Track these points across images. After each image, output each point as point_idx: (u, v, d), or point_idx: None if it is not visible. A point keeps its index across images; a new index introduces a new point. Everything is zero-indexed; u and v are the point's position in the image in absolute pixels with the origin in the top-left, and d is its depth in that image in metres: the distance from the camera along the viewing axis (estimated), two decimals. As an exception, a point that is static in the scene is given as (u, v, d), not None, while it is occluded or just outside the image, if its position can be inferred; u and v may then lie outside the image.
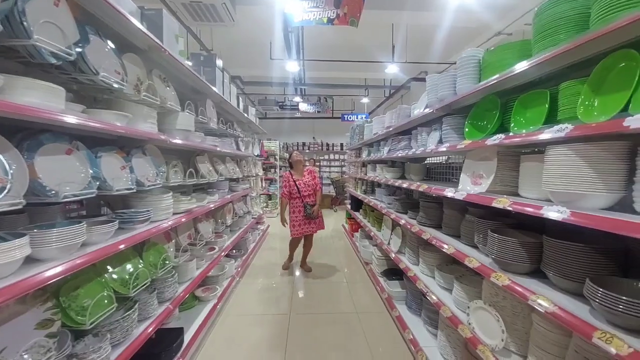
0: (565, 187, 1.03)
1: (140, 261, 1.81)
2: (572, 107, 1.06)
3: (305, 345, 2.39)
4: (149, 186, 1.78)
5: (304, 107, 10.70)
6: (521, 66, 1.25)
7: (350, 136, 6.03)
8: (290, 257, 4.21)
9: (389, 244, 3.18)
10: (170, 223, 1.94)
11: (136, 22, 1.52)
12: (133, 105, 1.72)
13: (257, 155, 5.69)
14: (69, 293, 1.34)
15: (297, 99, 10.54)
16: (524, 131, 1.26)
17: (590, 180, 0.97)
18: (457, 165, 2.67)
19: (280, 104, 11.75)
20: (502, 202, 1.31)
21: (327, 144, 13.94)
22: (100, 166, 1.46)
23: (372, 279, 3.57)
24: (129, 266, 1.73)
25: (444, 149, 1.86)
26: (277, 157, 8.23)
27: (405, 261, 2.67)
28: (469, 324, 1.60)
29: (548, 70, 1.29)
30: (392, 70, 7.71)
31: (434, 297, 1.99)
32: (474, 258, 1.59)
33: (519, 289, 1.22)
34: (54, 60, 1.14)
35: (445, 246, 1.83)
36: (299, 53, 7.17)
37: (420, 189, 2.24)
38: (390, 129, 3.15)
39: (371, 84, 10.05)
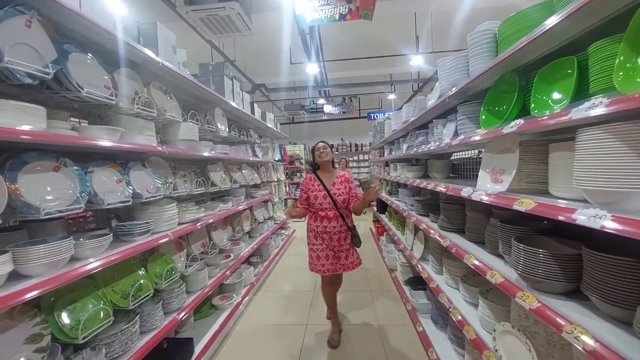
0: (603, 183, 0.76)
1: (143, 272, 1.83)
2: (607, 75, 0.79)
3: (320, 353, 2.25)
4: (147, 198, 1.78)
5: (328, 108, 10.59)
6: (541, 29, 0.99)
7: (373, 135, 5.77)
8: (329, 305, 2.56)
9: (412, 249, 2.91)
10: (171, 234, 1.93)
11: (120, 35, 1.52)
12: (129, 119, 1.74)
13: (279, 160, 5.70)
14: (65, 307, 1.36)
15: (321, 101, 10.47)
16: (547, 112, 0.98)
17: (638, 173, 0.70)
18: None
19: (306, 107, 11.80)
20: (525, 204, 1.05)
21: (356, 145, 13.68)
22: (92, 181, 1.48)
23: (397, 288, 3.30)
24: (132, 278, 1.75)
25: (457, 143, 1.60)
26: (303, 161, 8.21)
27: (429, 270, 2.39)
28: (496, 350, 1.33)
29: (576, 33, 1.00)
30: (417, 62, 7.28)
31: (457, 316, 1.72)
32: (497, 272, 1.32)
33: (551, 314, 0.96)
34: (29, 80, 1.16)
35: (466, 255, 1.57)
36: (318, 55, 7.10)
37: (440, 189, 1.98)
38: (407, 124, 2.89)
39: (397, 79, 9.62)
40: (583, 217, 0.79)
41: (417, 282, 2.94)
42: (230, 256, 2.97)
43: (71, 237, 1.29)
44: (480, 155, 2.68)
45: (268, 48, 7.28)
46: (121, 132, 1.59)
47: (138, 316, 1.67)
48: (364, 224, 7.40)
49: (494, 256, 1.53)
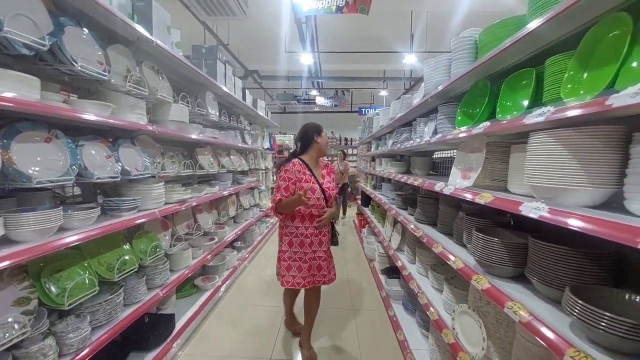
0: (545, 181, 0.89)
1: (129, 248, 1.88)
2: (558, 86, 0.91)
3: (296, 339, 2.37)
4: (135, 175, 1.82)
5: (320, 100, 10.62)
6: (509, 40, 1.10)
7: (362, 129, 5.88)
8: (288, 311, 2.44)
9: (390, 240, 3.06)
10: (158, 212, 1.98)
11: (113, 10, 1.53)
12: (121, 96, 1.76)
13: (267, 149, 5.73)
14: (51, 275, 1.41)
15: (314, 92, 10.47)
16: (508, 117, 1.11)
17: (573, 173, 0.83)
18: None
19: (298, 97, 11.75)
20: (485, 198, 1.18)
21: (346, 139, 13.78)
22: (82, 154, 1.51)
23: (374, 276, 3.47)
24: (118, 252, 1.80)
25: (435, 140, 1.72)
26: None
27: (403, 259, 2.55)
28: (453, 328, 1.48)
29: (540, 47, 1.12)
30: (410, 60, 7.39)
31: (424, 299, 1.87)
32: (460, 259, 1.46)
33: (498, 294, 1.10)
34: (26, 51, 1.18)
35: (434, 244, 1.71)
36: (313, 45, 7.08)
37: (415, 183, 2.11)
38: (394, 121, 3.00)
39: (390, 75, 9.72)
40: (527, 209, 0.92)
41: (393, 271, 3.11)
42: (214, 239, 3.03)
43: (61, 207, 1.33)
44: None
45: (262, 34, 7.19)
46: (112, 109, 1.62)
47: (122, 289, 1.73)
48: (347, 216, 7.58)
49: (459, 246, 1.68)
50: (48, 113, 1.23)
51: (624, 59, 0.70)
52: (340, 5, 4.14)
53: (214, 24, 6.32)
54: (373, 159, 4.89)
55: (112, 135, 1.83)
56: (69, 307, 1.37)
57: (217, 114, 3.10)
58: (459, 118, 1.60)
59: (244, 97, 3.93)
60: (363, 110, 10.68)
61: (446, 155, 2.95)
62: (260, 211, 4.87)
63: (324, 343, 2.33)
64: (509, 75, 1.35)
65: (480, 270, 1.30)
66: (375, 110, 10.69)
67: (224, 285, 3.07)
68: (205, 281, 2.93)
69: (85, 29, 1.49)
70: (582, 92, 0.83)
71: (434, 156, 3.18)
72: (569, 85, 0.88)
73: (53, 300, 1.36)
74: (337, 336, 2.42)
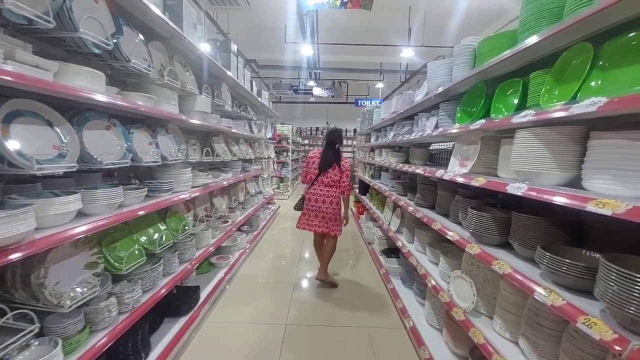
0: (526, 167, 1.17)
1: (164, 225, 2.10)
2: (538, 95, 1.18)
3: (308, 303, 2.67)
4: (171, 160, 2.03)
5: (317, 91, 10.76)
6: (509, 52, 1.36)
7: (361, 121, 6.12)
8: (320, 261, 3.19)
9: (389, 224, 3.37)
10: (188, 194, 2.20)
11: (159, 13, 1.71)
12: (157, 89, 1.95)
13: (270, 139, 5.92)
14: (108, 245, 1.63)
15: (311, 83, 10.60)
16: (500, 116, 1.38)
17: (546, 161, 1.11)
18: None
19: (295, 88, 11.82)
20: (479, 181, 1.46)
21: (341, 130, 13.96)
22: (132, 141, 1.71)
23: (373, 257, 3.80)
24: (155, 228, 2.02)
25: (437, 134, 1.99)
26: (290, 141, 8.43)
27: (402, 239, 2.86)
28: (448, 290, 1.79)
29: (527, 60, 1.39)
30: (408, 54, 7.60)
31: (422, 270, 2.18)
32: (456, 232, 1.76)
33: (487, 256, 1.40)
34: (96, 50, 1.37)
35: (433, 223, 2.00)
36: (314, 36, 7.19)
37: (418, 171, 2.39)
38: (395, 114, 3.26)
39: (387, 68, 9.91)
40: (512, 188, 1.20)
41: (391, 252, 3.44)
42: (228, 221, 3.27)
43: (121, 186, 1.54)
44: (452, 147, 3.15)
45: (262, 24, 7.24)
46: (154, 100, 1.81)
47: (162, 260, 1.97)
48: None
49: (455, 224, 1.98)
50: (113, 106, 1.43)
51: (585, 79, 0.96)
52: (344, 1, 4.31)
53: (214, 12, 6.35)
54: (372, 150, 5.16)
55: (146, 124, 2.02)
56: (126, 272, 1.61)
57: (230, 104, 3.29)
58: (459, 115, 1.87)
59: (251, 88, 4.10)
60: (359, 101, 10.89)
61: (442, 147, 3.24)
62: (263, 198, 5.11)
63: (332, 308, 2.64)
64: (501, 80, 1.62)
65: (472, 240, 1.60)
66: (372, 102, 10.93)
67: (237, 263, 3.33)
68: (220, 260, 3.19)
69: (137, 32, 1.67)
70: (555, 101, 1.10)
71: (431, 148, 3.47)
72: (545, 96, 1.15)
73: (112, 266, 1.59)
74: (342, 302, 2.73)
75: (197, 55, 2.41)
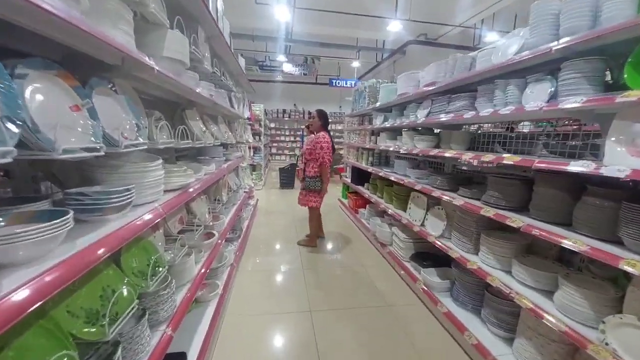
0: None
1: (114, 272, 1.10)
2: None
3: (334, 344, 1.90)
4: (126, 146, 1.01)
5: (288, 67, 9.59)
6: None
7: (353, 101, 5.31)
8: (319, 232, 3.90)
9: (422, 225, 2.71)
10: (159, 208, 1.21)
11: None
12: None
13: (247, 119, 4.80)
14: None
15: (282, 57, 9.35)
16: None
17: None
18: (527, 134, 2.16)
19: (261, 63, 10.47)
20: None
21: (309, 112, 13.02)
22: (26, 97, 0.68)
23: (394, 264, 3.13)
24: (101, 283, 1.02)
25: (576, 105, 1.30)
26: (262, 124, 7.28)
27: (456, 249, 2.21)
28: (604, 342, 1.17)
29: None
30: (395, 27, 6.93)
31: (526, 302, 1.54)
32: (633, 259, 1.11)
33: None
34: None
35: (566, 241, 1.34)
36: (291, -2, 6.08)
37: (507, 161, 1.69)
38: (434, 87, 2.53)
39: (364, 44, 9.16)
40: None
41: (422, 258, 2.80)
42: (213, 234, 2.28)
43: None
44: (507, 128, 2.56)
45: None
46: (84, 8, 0.78)
47: (120, 346, 0.99)
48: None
49: (596, 240, 1.34)
50: None
51: None
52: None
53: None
54: (373, 133, 4.43)
55: (74, 66, 0.95)
56: None
57: (210, 62, 2.22)
58: (626, 75, 1.19)
59: (230, 46, 2.99)
60: (334, 81, 10.02)
61: (489, 129, 2.62)
62: (244, 192, 4.09)
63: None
64: None
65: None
66: (347, 82, 10.14)
67: (228, 288, 2.39)
68: (204, 289, 2.21)
69: None
70: None
71: (464, 129, 2.84)
72: None
73: None
74: (383, 340, 2.02)
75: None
